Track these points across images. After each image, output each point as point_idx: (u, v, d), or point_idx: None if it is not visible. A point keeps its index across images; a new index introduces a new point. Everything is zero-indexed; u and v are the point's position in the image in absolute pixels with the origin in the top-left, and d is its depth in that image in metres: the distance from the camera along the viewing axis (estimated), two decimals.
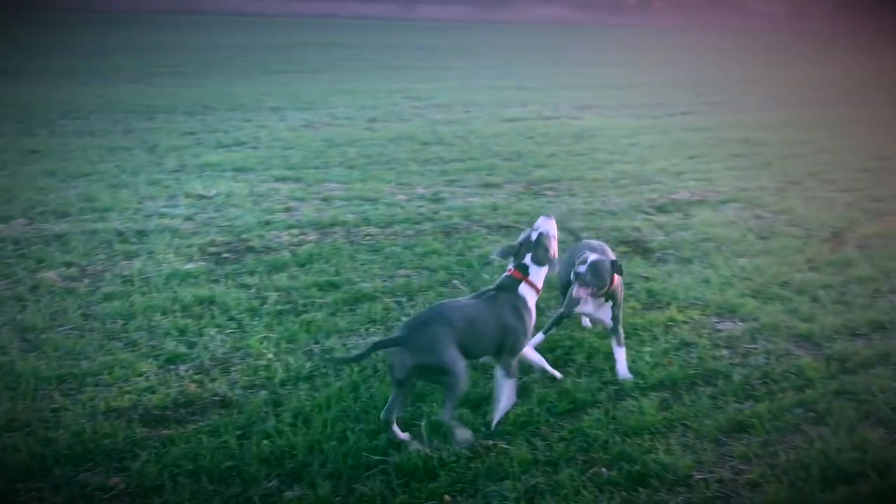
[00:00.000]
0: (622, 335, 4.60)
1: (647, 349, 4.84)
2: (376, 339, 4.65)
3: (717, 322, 5.37)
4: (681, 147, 12.08)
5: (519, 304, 4.03)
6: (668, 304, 5.61)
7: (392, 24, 57.23)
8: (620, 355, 4.54)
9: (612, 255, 4.80)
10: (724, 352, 4.90)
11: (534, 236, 4.19)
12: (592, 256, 4.49)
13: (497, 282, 4.18)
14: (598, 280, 4.39)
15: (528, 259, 4.15)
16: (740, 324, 5.35)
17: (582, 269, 4.41)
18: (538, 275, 4.15)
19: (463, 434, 3.74)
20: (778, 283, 6.11)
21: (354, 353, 4.56)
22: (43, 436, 3.75)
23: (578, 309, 4.65)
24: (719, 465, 3.70)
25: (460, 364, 3.70)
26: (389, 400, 3.78)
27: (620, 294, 4.68)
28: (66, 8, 54.35)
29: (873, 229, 7.79)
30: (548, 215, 4.30)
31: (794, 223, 7.97)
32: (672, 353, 4.82)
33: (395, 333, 3.93)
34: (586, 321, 5.15)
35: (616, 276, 4.55)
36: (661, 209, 8.32)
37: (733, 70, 28.22)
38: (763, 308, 5.58)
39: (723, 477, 3.60)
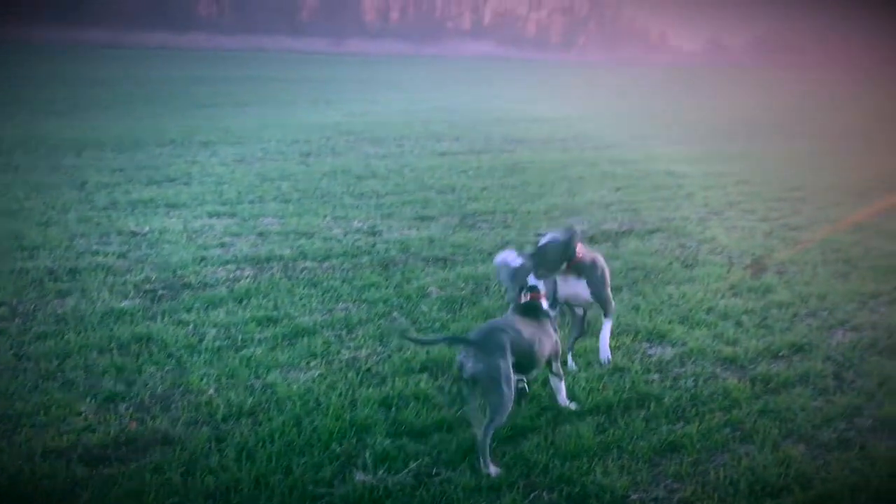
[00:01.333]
0: (611, 309, 5.06)
1: (583, 375, 5.00)
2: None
3: (648, 347, 5.58)
4: (608, 179, 12.47)
5: (551, 321, 4.50)
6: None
7: (322, 59, 57.44)
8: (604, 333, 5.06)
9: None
10: (656, 376, 5.10)
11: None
12: (543, 240, 4.81)
13: (518, 306, 4.51)
14: (544, 262, 4.61)
15: (533, 280, 4.56)
16: (669, 349, 5.57)
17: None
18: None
19: (493, 468, 3.87)
20: (704, 309, 6.38)
21: (427, 337, 5.37)
22: None
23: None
24: (654, 485, 3.85)
25: (510, 383, 3.97)
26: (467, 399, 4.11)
27: (600, 271, 4.97)
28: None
29: (790, 256, 8.20)
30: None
31: (717, 251, 8.32)
32: (606, 379, 4.99)
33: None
34: (579, 310, 5.28)
35: (583, 253, 4.88)
36: (591, 240, 8.56)
37: (655, 104, 29.27)
38: (690, 333, 5.82)
39: (657, 496, 3.76)
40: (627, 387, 4.89)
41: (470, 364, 3.96)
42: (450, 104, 25.33)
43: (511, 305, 4.67)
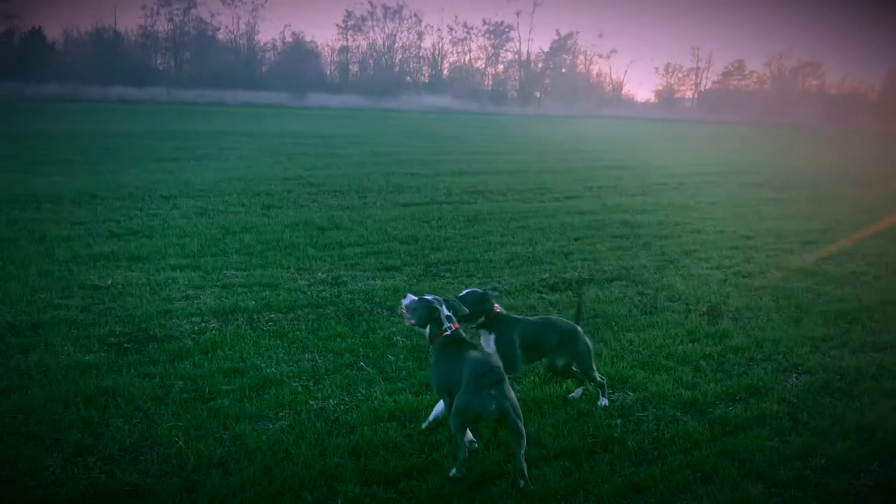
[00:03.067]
0: (508, 366, 5.16)
1: (549, 421, 5.12)
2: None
3: (611, 393, 5.72)
4: (567, 229, 12.74)
5: None
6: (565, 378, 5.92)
7: (283, 112, 57.74)
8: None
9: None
10: (619, 420, 5.23)
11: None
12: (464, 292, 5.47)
13: (458, 333, 4.85)
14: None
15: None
16: (631, 394, 5.72)
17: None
18: None
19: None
20: (663, 355, 6.56)
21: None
22: None
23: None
24: None
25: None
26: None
27: (508, 332, 5.31)
28: None
29: (745, 302, 8.47)
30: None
31: (675, 298, 8.55)
32: (571, 424, 5.10)
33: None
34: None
35: (498, 310, 5.38)
36: (553, 288, 8.76)
37: (610, 157, 29.95)
38: (651, 378, 5.99)
39: None
40: (592, 431, 5.01)
41: (497, 402, 4.18)
42: (410, 157, 25.64)
43: (443, 341, 4.81)
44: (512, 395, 4.27)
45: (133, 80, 68.37)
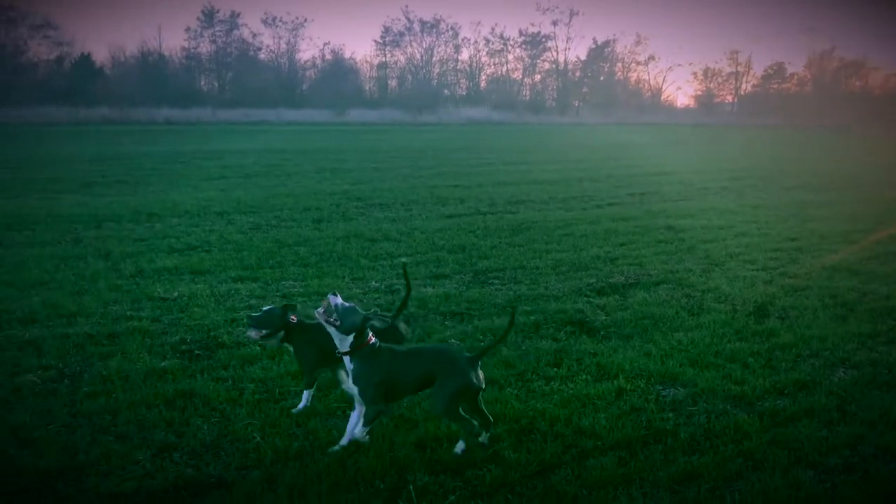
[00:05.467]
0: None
1: (602, 415, 5.35)
2: None
3: (662, 389, 5.93)
4: (611, 235, 12.93)
5: None
6: (617, 375, 6.16)
7: (324, 129, 58.63)
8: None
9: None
10: (670, 414, 5.44)
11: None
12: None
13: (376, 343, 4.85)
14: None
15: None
16: (681, 389, 5.92)
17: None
18: None
19: None
20: (712, 353, 6.75)
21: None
22: None
23: None
24: None
25: None
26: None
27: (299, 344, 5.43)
28: None
29: (791, 302, 8.59)
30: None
31: (721, 300, 8.71)
32: (624, 418, 5.33)
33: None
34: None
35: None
36: (600, 292, 8.98)
37: (650, 163, 29.98)
38: (701, 375, 6.18)
39: None
40: (645, 424, 5.23)
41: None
42: (451, 169, 26.00)
43: (369, 349, 4.77)
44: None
45: (179, 102, 70.05)
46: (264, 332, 5.37)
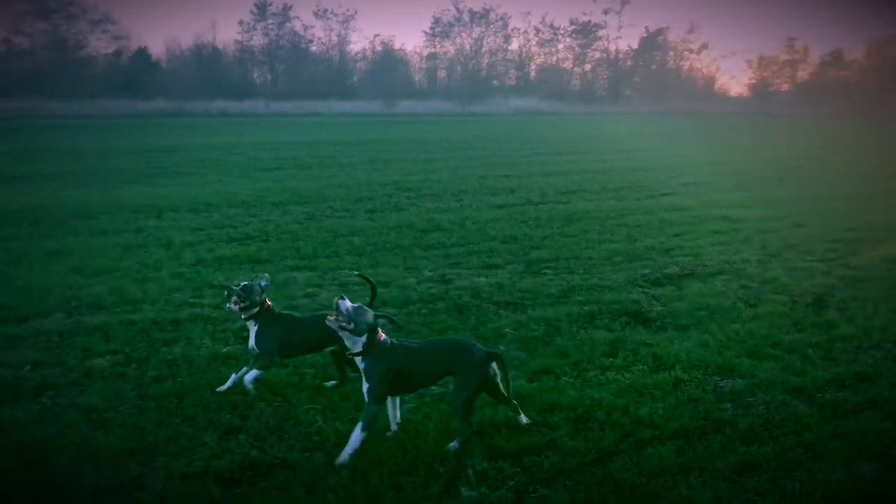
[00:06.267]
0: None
1: (660, 405, 5.35)
2: None
3: (719, 380, 5.90)
4: (665, 226, 12.82)
5: None
6: (673, 366, 6.14)
7: (375, 120, 58.98)
8: None
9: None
10: (728, 405, 5.41)
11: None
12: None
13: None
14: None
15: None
16: (739, 380, 5.88)
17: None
18: None
19: None
20: (770, 344, 6.68)
21: None
22: (130, 497, 4.16)
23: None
24: (736, 498, 4.17)
25: None
26: None
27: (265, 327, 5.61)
28: (58, 114, 55.81)
29: (851, 293, 8.44)
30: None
31: (779, 291, 8.59)
32: (682, 408, 5.33)
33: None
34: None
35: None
36: (655, 283, 8.93)
37: (704, 153, 29.54)
38: (759, 366, 6.13)
39: None
40: (703, 414, 5.22)
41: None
42: (501, 159, 25.99)
43: (392, 344, 4.77)
44: None
45: (233, 94, 71.14)
46: (245, 303, 5.62)
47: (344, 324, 4.57)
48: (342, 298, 4.63)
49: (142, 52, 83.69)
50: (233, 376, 5.72)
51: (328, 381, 5.89)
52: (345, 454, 4.55)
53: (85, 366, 6.25)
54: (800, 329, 7.16)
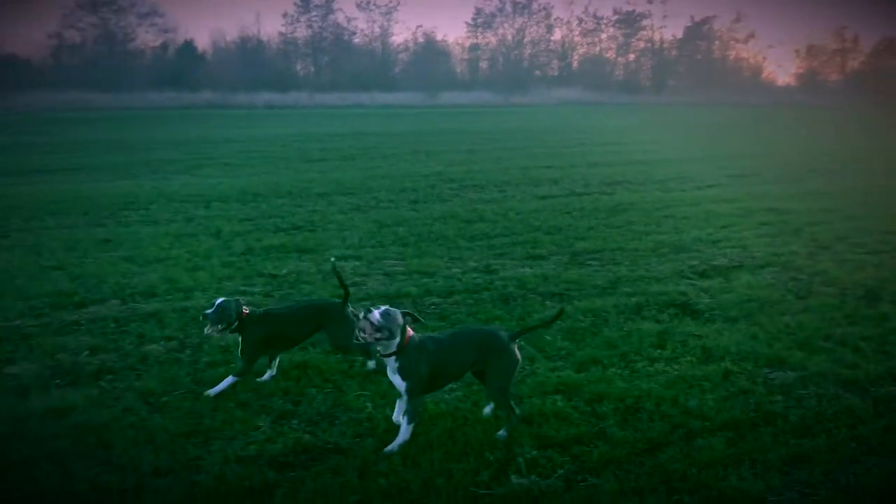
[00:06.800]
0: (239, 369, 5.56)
1: (710, 396, 5.33)
2: None
3: (769, 372, 5.84)
4: (712, 217, 12.67)
5: None
6: (722, 357, 6.10)
7: (417, 112, 59.09)
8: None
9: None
10: (779, 397, 5.36)
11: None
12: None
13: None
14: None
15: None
16: (790, 373, 5.82)
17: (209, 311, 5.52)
18: None
19: None
20: (821, 337, 6.59)
21: None
22: (188, 479, 4.28)
23: None
24: (788, 490, 4.14)
25: None
26: None
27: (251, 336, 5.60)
28: (107, 106, 56.93)
29: None
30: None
31: (829, 283, 8.46)
32: (732, 399, 5.29)
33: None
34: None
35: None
36: (702, 274, 8.86)
37: (750, 144, 29.07)
38: (810, 359, 6.06)
39: (793, 499, 4.06)
40: (753, 406, 5.18)
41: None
42: (543, 150, 25.90)
43: (421, 339, 4.75)
44: None
45: (277, 86, 71.86)
46: (221, 326, 5.54)
47: (377, 336, 4.53)
48: (369, 311, 4.55)
49: (188, 45, 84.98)
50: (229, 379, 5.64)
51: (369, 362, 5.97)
52: (395, 444, 4.62)
53: (141, 351, 6.42)
54: (852, 322, 7.05)
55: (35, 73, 72.36)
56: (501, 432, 4.77)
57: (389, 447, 4.59)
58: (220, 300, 5.61)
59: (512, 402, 4.86)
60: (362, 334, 4.52)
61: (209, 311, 5.54)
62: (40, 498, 4.14)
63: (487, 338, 4.89)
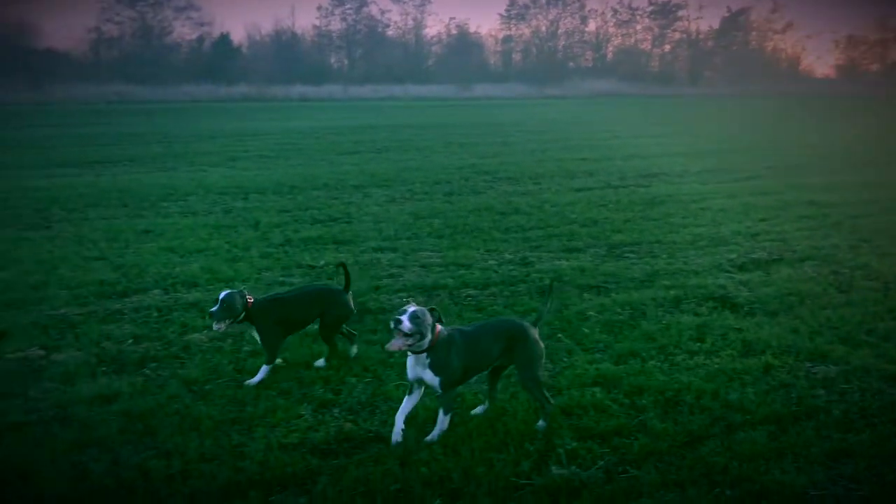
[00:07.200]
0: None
1: (751, 390, 5.29)
2: None
3: (811, 366, 5.78)
4: (751, 210, 12.53)
5: None
6: (763, 351, 6.05)
7: (450, 104, 59.09)
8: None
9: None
10: (821, 391, 5.31)
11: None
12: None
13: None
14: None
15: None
16: (833, 367, 5.75)
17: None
18: None
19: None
20: (863, 331, 6.51)
21: None
22: (233, 465, 4.35)
23: None
24: (832, 485, 4.11)
25: None
26: None
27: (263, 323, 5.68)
28: (144, 99, 57.74)
29: None
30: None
31: (872, 277, 8.34)
32: (773, 393, 5.25)
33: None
34: None
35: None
36: (741, 268, 8.77)
37: (788, 135, 28.64)
38: (853, 353, 5.99)
39: (837, 493, 4.02)
40: (795, 400, 5.14)
41: None
42: (578, 142, 25.76)
43: (450, 333, 4.75)
44: None
45: (311, 79, 72.30)
46: (228, 321, 5.57)
47: (411, 342, 4.53)
48: (399, 323, 4.48)
49: (224, 38, 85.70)
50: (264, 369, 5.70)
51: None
52: (435, 434, 4.66)
53: (183, 340, 6.53)
54: (895, 316, 6.94)
55: (74, 66, 73.57)
56: (540, 423, 4.79)
57: (430, 436, 4.64)
58: (223, 294, 5.62)
59: (545, 392, 4.88)
60: (395, 343, 4.52)
61: (214, 308, 5.55)
62: (89, 482, 4.24)
63: (513, 328, 4.93)
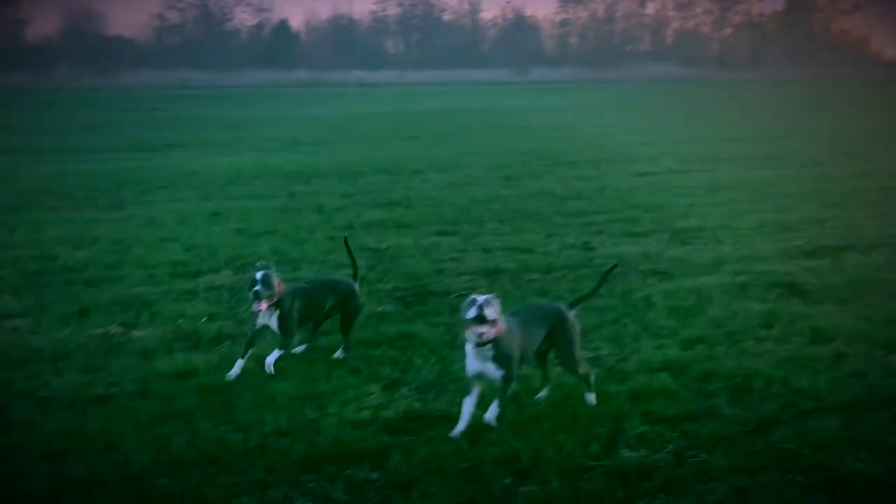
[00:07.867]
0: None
1: (822, 377, 5.23)
2: None
3: (886, 355, 5.68)
4: (817, 196, 12.28)
5: None
6: (833, 339, 5.96)
7: (507, 88, 58.84)
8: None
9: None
10: None
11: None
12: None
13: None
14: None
15: None
16: None
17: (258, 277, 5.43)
18: None
19: None
20: None
21: None
22: (308, 440, 4.49)
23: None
24: None
25: None
26: None
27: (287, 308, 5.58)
28: (205, 85, 58.89)
29: None
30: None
31: None
32: (844, 381, 5.18)
33: None
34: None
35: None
36: (809, 254, 8.63)
37: (856, 120, 27.84)
38: None
39: None
40: (868, 389, 5.06)
41: None
42: (637, 127, 25.47)
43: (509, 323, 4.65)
44: None
45: (369, 64, 72.76)
46: (269, 295, 5.44)
47: (494, 333, 4.43)
48: (482, 311, 4.38)
49: (283, 25, 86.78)
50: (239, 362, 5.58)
51: None
52: (492, 417, 4.58)
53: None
54: None
55: (139, 52, 75.43)
56: (590, 396, 4.86)
57: (487, 417, 4.59)
58: (259, 273, 5.45)
59: (587, 365, 4.98)
60: (483, 336, 4.41)
61: (257, 287, 5.39)
62: (171, 454, 4.41)
63: (554, 312, 4.94)
